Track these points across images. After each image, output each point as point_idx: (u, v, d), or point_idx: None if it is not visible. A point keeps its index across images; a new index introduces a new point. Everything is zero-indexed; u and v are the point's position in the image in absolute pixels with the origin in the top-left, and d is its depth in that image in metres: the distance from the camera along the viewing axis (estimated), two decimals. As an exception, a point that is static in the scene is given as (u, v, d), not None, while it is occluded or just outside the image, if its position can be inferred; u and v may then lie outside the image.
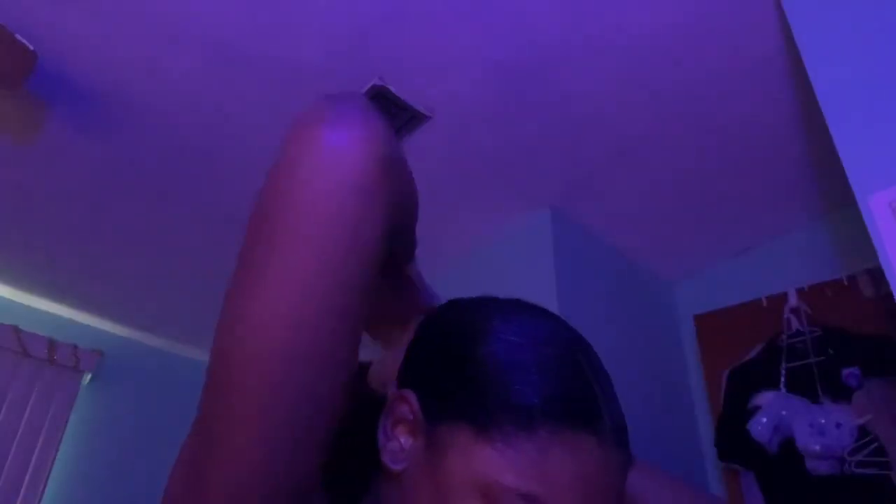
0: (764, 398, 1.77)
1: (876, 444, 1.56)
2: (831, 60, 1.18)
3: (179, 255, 2.17)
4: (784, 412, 1.69)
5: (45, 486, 2.39)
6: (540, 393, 0.48)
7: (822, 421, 1.62)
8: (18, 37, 1.36)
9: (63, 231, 2.10)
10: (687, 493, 0.69)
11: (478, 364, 0.50)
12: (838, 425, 1.60)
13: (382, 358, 0.61)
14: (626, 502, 0.62)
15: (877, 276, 1.69)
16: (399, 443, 0.51)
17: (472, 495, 0.45)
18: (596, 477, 0.47)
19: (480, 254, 2.09)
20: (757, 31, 1.43)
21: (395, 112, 1.62)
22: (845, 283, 1.81)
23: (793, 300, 1.86)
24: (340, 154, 0.42)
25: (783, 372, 1.77)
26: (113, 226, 2.04)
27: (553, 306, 1.79)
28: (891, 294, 0.98)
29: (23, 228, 2.11)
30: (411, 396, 0.51)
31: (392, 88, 1.56)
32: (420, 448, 0.50)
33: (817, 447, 1.60)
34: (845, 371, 1.67)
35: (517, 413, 0.47)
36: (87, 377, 2.65)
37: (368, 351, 0.61)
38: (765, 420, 1.70)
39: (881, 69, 1.10)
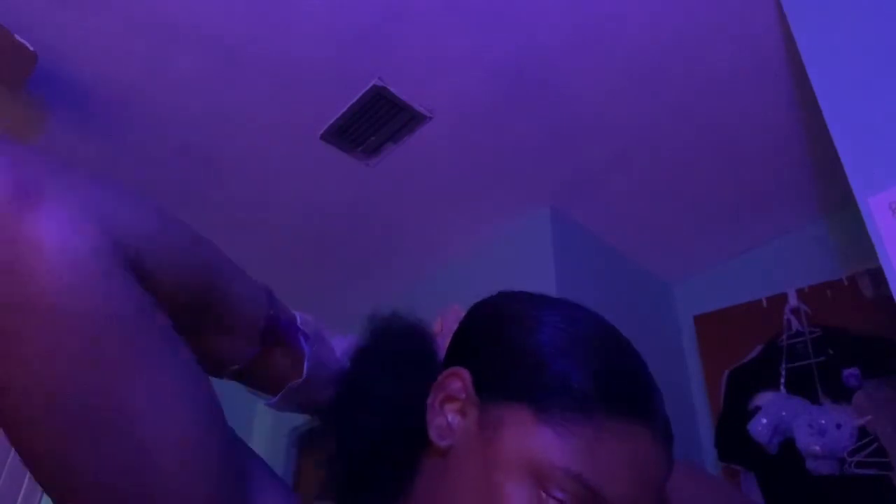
0: (764, 398, 1.77)
1: (876, 445, 1.56)
2: (831, 61, 1.18)
3: (179, 256, 2.16)
4: (784, 413, 1.69)
5: (44, 487, 2.39)
6: (598, 380, 0.49)
7: (822, 421, 1.62)
8: (18, 37, 1.36)
9: (63, 231, 2.10)
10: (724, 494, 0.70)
11: (536, 348, 0.51)
12: (838, 426, 1.60)
13: None
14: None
15: (877, 276, 1.69)
16: (446, 419, 0.52)
17: (523, 473, 0.46)
18: (645, 466, 0.48)
19: (480, 254, 2.09)
20: (757, 33, 1.43)
21: (395, 113, 1.62)
22: (845, 283, 1.81)
23: (793, 301, 1.86)
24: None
25: (783, 372, 1.77)
26: (113, 226, 2.04)
27: (553, 307, 1.79)
28: (891, 295, 0.98)
29: (23, 229, 2.11)
30: (465, 374, 0.52)
31: (392, 89, 1.56)
32: (471, 425, 0.50)
33: (817, 447, 1.60)
34: (845, 371, 1.67)
35: (576, 397, 0.48)
36: (87, 377, 2.65)
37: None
38: (765, 420, 1.70)
39: (881, 70, 1.10)
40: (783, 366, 1.78)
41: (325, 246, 2.15)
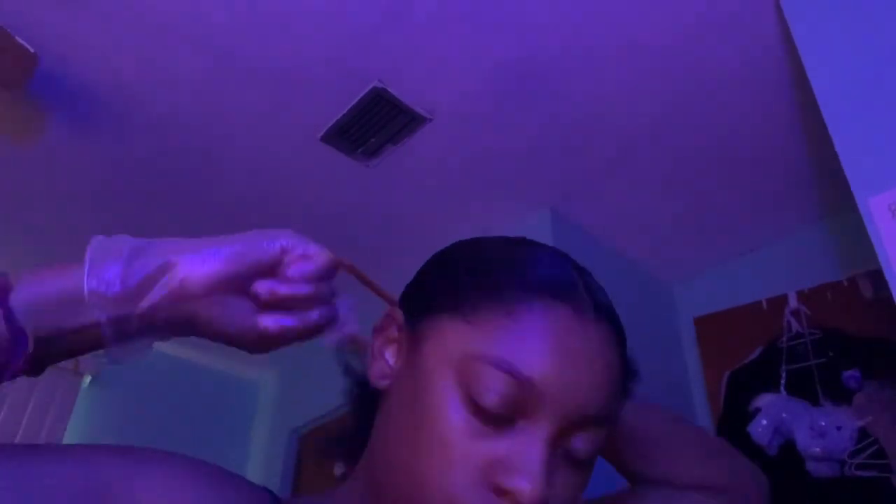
0: (764, 400, 1.77)
1: (876, 447, 1.56)
2: (831, 63, 1.18)
3: (179, 257, 2.17)
4: (784, 414, 1.69)
5: (44, 489, 2.38)
6: (513, 269, 0.47)
7: (823, 423, 1.62)
8: (19, 39, 1.36)
9: (63, 232, 2.10)
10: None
11: (451, 261, 0.52)
12: (839, 427, 1.60)
13: None
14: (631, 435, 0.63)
15: (877, 278, 1.69)
16: (386, 362, 0.50)
17: (448, 373, 0.44)
18: (573, 344, 0.44)
19: (480, 256, 2.09)
20: (756, 35, 1.43)
21: (395, 114, 1.62)
22: (845, 285, 1.80)
23: (793, 302, 1.86)
24: None
25: (783, 374, 1.77)
26: (113, 227, 2.03)
27: (553, 308, 1.79)
28: (891, 296, 0.98)
29: (23, 230, 2.11)
30: (398, 313, 0.51)
31: (392, 91, 1.56)
32: (404, 358, 0.49)
33: (818, 449, 1.60)
34: (845, 373, 1.67)
35: (486, 285, 0.46)
36: (87, 380, 2.65)
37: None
38: (765, 422, 1.70)
39: (881, 71, 1.10)
40: (783, 367, 1.78)
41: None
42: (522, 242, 0.52)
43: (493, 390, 0.42)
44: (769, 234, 2.06)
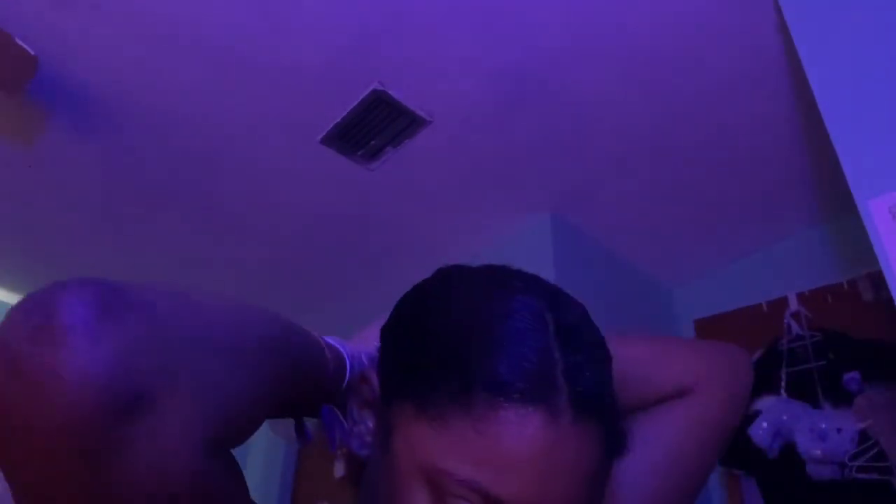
0: (764, 403, 1.76)
1: (877, 449, 1.56)
2: (831, 66, 1.18)
3: (179, 259, 2.17)
4: (785, 417, 1.69)
5: (43, 491, 2.38)
6: (480, 364, 0.42)
7: (823, 426, 1.62)
8: (19, 41, 1.36)
9: (63, 235, 2.10)
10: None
11: (426, 336, 0.46)
12: (839, 430, 1.59)
13: None
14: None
15: (877, 280, 1.69)
16: (367, 426, 0.49)
17: (418, 480, 0.42)
18: (546, 462, 0.40)
19: (480, 258, 2.08)
20: (756, 38, 1.43)
21: (395, 116, 1.62)
22: (845, 287, 1.80)
23: (793, 304, 1.86)
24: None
25: (784, 376, 1.77)
26: (113, 230, 2.04)
27: (553, 310, 1.79)
28: (891, 298, 0.98)
29: (23, 232, 2.11)
30: (373, 375, 0.49)
31: (392, 93, 1.56)
32: (380, 433, 0.47)
33: (818, 452, 1.59)
34: (846, 375, 1.66)
35: (453, 385, 0.41)
36: (87, 381, 2.65)
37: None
38: (765, 425, 1.69)
39: (881, 74, 1.10)
40: (784, 370, 1.77)
41: (324, 250, 2.15)
42: (501, 316, 0.44)
43: (466, 502, 0.40)
44: (769, 237, 2.06)
